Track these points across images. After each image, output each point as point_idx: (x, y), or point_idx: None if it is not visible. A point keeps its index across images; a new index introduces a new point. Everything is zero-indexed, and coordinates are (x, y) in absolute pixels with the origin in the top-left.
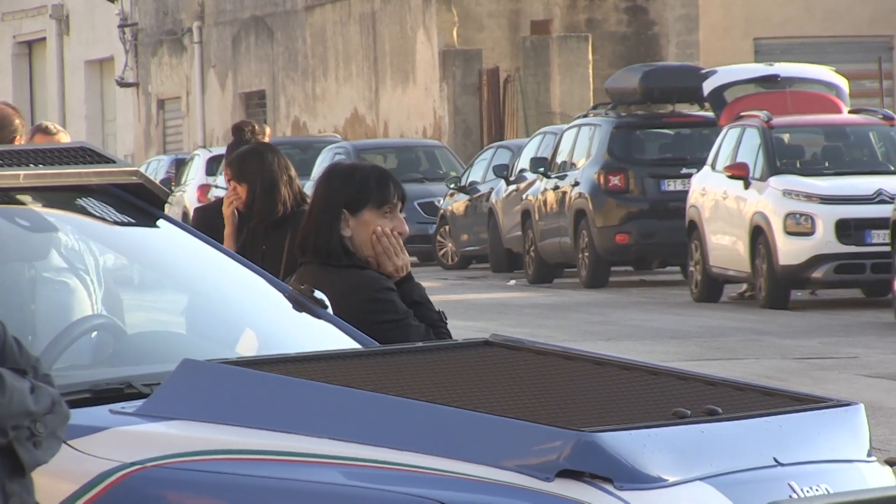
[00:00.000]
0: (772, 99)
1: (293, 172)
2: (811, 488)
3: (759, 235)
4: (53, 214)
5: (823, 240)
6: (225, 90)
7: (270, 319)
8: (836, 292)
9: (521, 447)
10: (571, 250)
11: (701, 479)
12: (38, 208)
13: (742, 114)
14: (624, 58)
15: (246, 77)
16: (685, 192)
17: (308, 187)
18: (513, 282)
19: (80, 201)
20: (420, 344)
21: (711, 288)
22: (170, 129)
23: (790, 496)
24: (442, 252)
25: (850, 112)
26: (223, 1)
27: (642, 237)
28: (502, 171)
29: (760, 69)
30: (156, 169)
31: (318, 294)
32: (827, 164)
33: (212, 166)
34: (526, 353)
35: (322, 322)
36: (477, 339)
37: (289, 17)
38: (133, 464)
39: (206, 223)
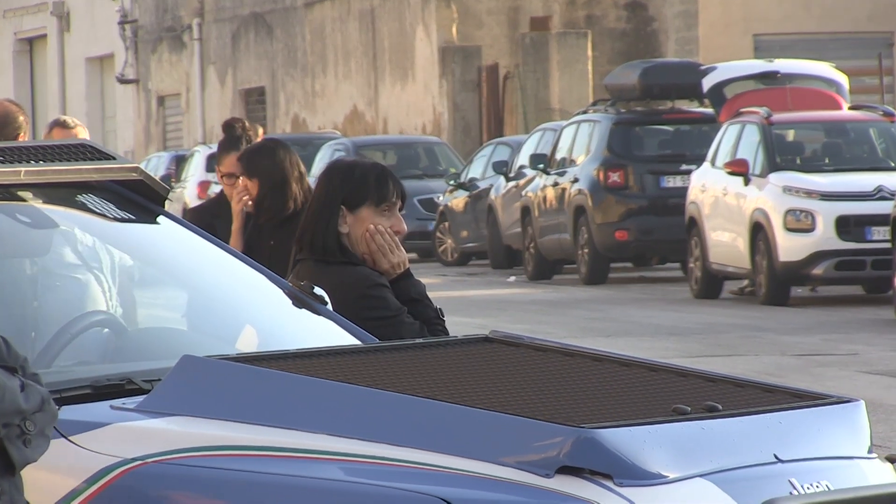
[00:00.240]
0: (771, 95)
1: (303, 169)
2: (811, 485)
3: (758, 232)
4: (54, 211)
5: (823, 236)
6: (224, 87)
7: (270, 316)
8: (837, 289)
9: (521, 443)
10: (571, 247)
11: (701, 475)
12: (38, 205)
13: (742, 110)
14: (623, 54)
15: (245, 74)
16: (685, 189)
17: None
18: (512, 278)
19: (81, 198)
20: (420, 340)
21: (711, 284)
22: (170, 125)
23: (790, 493)
24: (441, 248)
25: (850, 108)
26: None
27: (642, 234)
28: (502, 168)
29: (760, 65)
30: (156, 165)
31: (318, 290)
32: (827, 161)
33: (212, 163)
34: (525, 350)
35: (322, 318)
36: (477, 335)
37: (288, 13)
38: (133, 460)
39: (201, 224)
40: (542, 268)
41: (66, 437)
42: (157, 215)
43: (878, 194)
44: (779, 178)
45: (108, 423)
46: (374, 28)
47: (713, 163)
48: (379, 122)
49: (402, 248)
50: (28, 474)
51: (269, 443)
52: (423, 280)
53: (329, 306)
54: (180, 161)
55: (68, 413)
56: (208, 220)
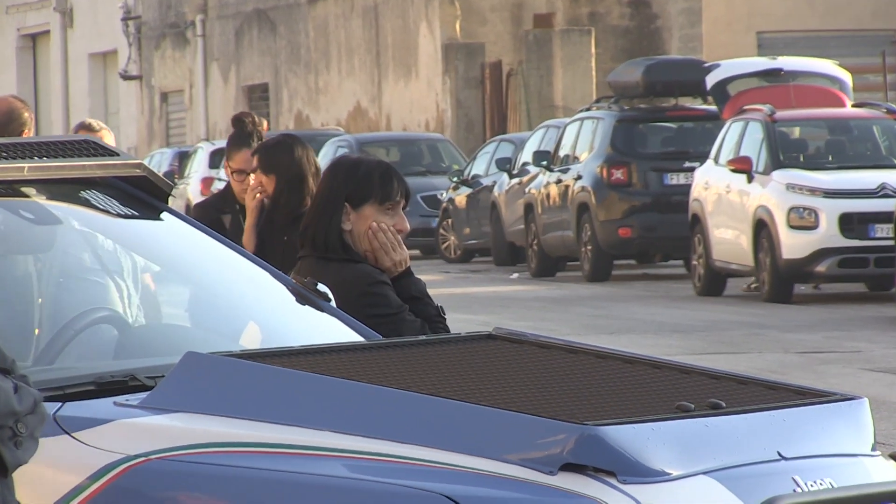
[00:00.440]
0: (775, 93)
1: (319, 165)
2: (815, 482)
3: (762, 229)
4: (57, 207)
5: (827, 234)
6: (228, 83)
7: (274, 312)
8: (840, 286)
9: (525, 440)
10: (574, 244)
11: (704, 472)
12: (42, 201)
13: (745, 107)
14: (627, 51)
15: (249, 70)
16: (688, 186)
17: None
18: (515, 275)
19: (84, 194)
20: (423, 337)
21: (714, 282)
22: (173, 122)
23: (794, 490)
24: (444, 245)
25: (853, 106)
26: None
27: (645, 231)
28: (505, 165)
29: (763, 63)
30: (159, 162)
31: (322, 287)
32: (830, 158)
33: (215, 159)
34: (529, 347)
35: (325, 315)
36: (480, 332)
37: (291, 10)
38: (137, 456)
39: (208, 219)
40: (546, 265)
41: (69, 434)
42: (161, 212)
43: (882, 192)
44: (782, 176)
45: (112, 420)
46: (377, 25)
47: (716, 160)
48: (382, 118)
49: (403, 247)
50: (32, 471)
51: (272, 439)
52: (426, 277)
53: (332, 303)
54: (183, 157)
55: (72, 409)
56: (215, 215)
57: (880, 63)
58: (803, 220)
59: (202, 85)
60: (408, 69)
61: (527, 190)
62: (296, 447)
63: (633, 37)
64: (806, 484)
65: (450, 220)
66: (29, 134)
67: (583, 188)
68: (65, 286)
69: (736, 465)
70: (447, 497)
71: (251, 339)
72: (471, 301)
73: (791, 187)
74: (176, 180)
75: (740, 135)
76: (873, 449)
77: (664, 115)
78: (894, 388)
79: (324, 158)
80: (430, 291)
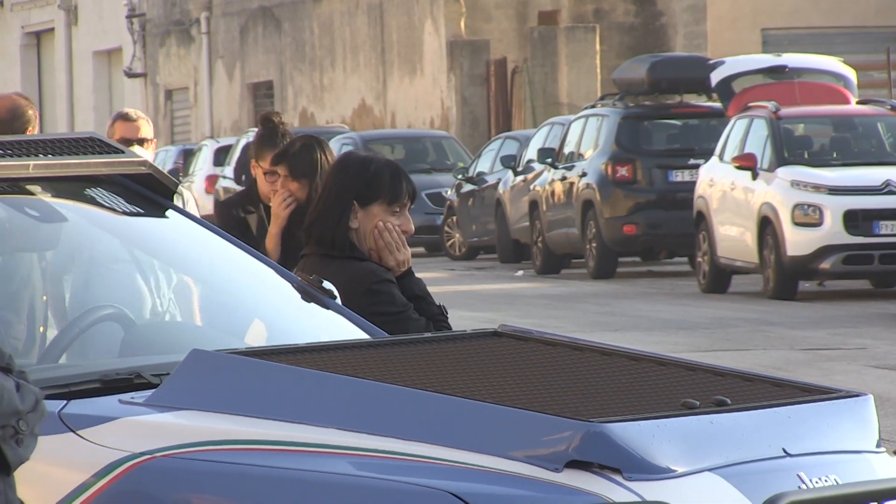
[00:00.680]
0: (780, 90)
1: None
2: (820, 479)
3: (766, 226)
4: (63, 204)
5: (831, 231)
6: (233, 81)
7: (279, 310)
8: (844, 283)
9: (530, 438)
10: (579, 241)
11: (710, 469)
12: (47, 198)
13: (750, 104)
14: (631, 48)
15: (254, 68)
16: (693, 183)
17: None
18: (520, 272)
19: (90, 191)
20: (429, 335)
21: (719, 279)
22: (177, 119)
23: (799, 487)
24: (449, 243)
25: (858, 103)
26: None
27: (650, 228)
28: (510, 162)
29: (768, 60)
30: (164, 159)
31: (327, 285)
32: (835, 155)
33: (219, 157)
34: (534, 344)
35: (331, 312)
36: (485, 329)
37: (296, 7)
38: (142, 454)
39: (233, 218)
40: (550, 262)
41: (74, 432)
42: (166, 209)
43: (886, 188)
44: (787, 173)
45: (117, 418)
46: (382, 22)
47: (721, 157)
48: (387, 116)
49: (407, 246)
50: (37, 468)
51: (278, 437)
52: (431, 274)
53: (338, 300)
54: (188, 155)
55: (77, 407)
56: (239, 214)
57: (885, 60)
58: (808, 216)
59: (207, 82)
60: (413, 66)
61: (532, 187)
62: (301, 445)
63: (637, 34)
64: (811, 480)
65: (454, 218)
66: (33, 131)
67: (588, 185)
68: (70, 284)
69: (741, 461)
70: (453, 494)
71: (256, 337)
72: (476, 298)
73: (796, 184)
74: (181, 178)
75: (745, 132)
76: (878, 445)
77: (669, 112)
78: None
79: None
80: (435, 289)
